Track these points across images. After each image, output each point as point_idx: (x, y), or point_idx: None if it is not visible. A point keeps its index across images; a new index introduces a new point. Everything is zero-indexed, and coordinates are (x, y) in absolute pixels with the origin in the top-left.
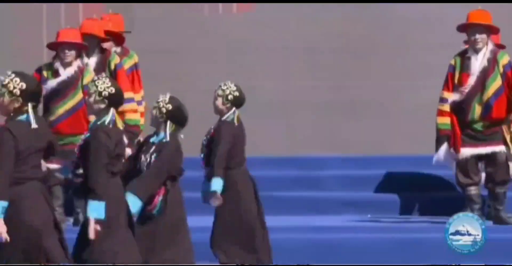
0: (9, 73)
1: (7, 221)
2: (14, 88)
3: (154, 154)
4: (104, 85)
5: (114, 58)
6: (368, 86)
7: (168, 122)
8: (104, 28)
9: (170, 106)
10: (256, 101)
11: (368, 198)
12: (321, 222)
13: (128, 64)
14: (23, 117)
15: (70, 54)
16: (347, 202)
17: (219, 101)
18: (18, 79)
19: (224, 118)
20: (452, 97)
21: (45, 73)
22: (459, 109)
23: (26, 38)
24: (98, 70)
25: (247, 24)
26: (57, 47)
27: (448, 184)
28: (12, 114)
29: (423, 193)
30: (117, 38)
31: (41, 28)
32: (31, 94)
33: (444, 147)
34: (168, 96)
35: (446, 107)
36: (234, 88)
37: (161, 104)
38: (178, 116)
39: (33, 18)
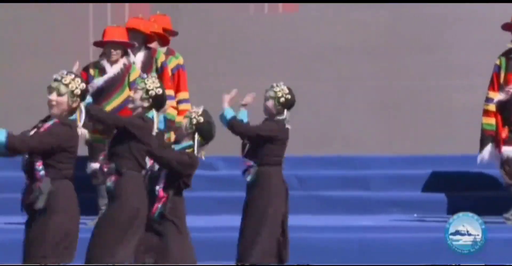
0: (66, 72)
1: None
2: (76, 88)
3: None
4: (154, 84)
5: (160, 56)
6: (414, 86)
7: (196, 135)
8: (149, 29)
9: (201, 119)
10: (303, 101)
11: (415, 197)
12: (368, 221)
13: (173, 63)
14: (73, 116)
15: (116, 53)
16: (394, 201)
17: (270, 103)
18: (79, 80)
19: (275, 118)
20: (498, 96)
21: (92, 71)
22: (505, 109)
23: (73, 39)
24: (145, 67)
25: (292, 24)
26: (103, 45)
27: (495, 183)
28: (65, 113)
29: (470, 193)
30: (162, 39)
31: (87, 28)
32: (84, 94)
33: (488, 147)
34: (202, 109)
35: (492, 107)
36: (287, 91)
37: (193, 114)
38: (206, 131)
39: (80, 18)
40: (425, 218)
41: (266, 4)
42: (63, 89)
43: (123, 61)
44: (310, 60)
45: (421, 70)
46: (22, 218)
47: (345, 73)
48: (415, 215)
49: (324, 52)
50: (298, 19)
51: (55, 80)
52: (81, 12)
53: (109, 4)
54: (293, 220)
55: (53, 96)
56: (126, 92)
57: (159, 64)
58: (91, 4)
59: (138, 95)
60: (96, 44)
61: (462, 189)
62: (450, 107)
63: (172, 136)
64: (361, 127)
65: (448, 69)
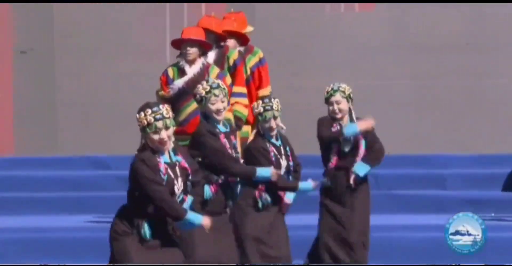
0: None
1: None
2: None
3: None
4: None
5: (233, 54)
6: (493, 84)
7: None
8: (228, 28)
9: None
10: (383, 99)
11: (492, 196)
12: (444, 220)
13: (253, 61)
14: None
15: (192, 51)
16: (471, 201)
17: (346, 103)
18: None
19: (355, 116)
20: None
21: (171, 73)
22: None
23: (150, 38)
24: (217, 65)
25: (368, 23)
26: (180, 45)
27: None
28: None
29: None
30: (242, 38)
31: (164, 28)
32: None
33: None
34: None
35: None
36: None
37: (275, 105)
38: None
39: (157, 18)
40: (502, 217)
41: (342, 4)
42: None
43: (201, 61)
44: (386, 59)
45: (498, 68)
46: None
47: (421, 71)
48: (493, 214)
49: (399, 50)
50: (374, 18)
51: (161, 118)
52: (158, 12)
53: (185, 4)
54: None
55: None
56: None
57: (231, 62)
58: (167, 4)
59: (226, 103)
60: (173, 44)
61: None
62: None
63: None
64: (437, 125)
65: None
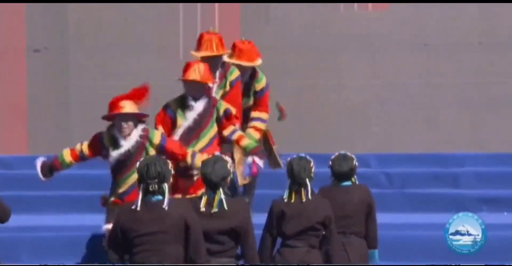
0: None
1: None
2: None
3: None
4: None
5: (234, 72)
6: (508, 83)
7: None
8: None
9: None
10: (395, 98)
11: (506, 195)
12: None
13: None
14: None
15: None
16: (485, 199)
17: None
18: None
19: None
20: None
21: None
22: None
23: (164, 37)
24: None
25: (382, 22)
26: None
27: None
28: None
29: None
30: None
31: (178, 27)
32: None
33: None
34: None
35: None
36: None
37: None
38: None
39: (170, 17)
40: None
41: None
42: None
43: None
44: (400, 57)
45: None
46: None
47: (436, 70)
48: (506, 213)
49: (413, 49)
50: (388, 17)
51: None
52: (172, 12)
53: (199, 4)
54: (382, 217)
55: None
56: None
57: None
58: (181, 4)
59: None
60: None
61: None
62: None
63: None
64: (454, 124)
65: None
